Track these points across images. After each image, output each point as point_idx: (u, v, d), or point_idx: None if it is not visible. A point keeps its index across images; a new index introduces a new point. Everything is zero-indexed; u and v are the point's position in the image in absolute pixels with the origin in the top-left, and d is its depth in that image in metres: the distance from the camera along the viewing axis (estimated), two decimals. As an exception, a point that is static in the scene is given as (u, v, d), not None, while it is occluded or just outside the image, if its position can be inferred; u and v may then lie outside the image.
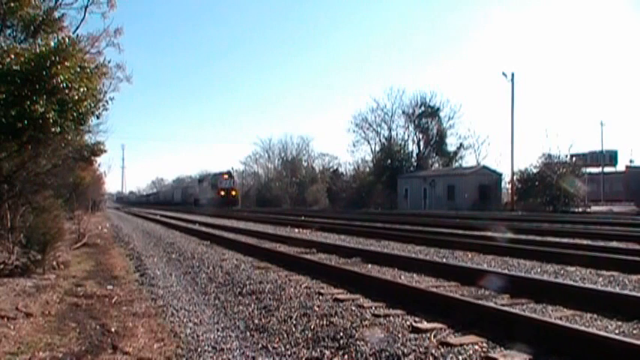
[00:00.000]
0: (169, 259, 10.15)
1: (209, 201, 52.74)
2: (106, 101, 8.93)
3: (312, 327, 4.47)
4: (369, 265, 7.79)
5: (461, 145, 49.74)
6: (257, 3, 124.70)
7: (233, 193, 53.84)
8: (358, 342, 3.92)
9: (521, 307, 4.78)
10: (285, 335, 4.36)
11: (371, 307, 4.90)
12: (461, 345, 3.62)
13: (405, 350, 3.63)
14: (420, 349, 3.61)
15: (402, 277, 6.73)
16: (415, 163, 49.90)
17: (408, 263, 7.49)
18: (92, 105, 8.31)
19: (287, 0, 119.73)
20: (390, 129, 51.73)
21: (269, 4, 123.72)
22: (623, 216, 24.23)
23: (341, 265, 7.60)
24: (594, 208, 32.93)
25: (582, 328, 3.84)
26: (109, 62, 10.76)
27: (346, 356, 3.73)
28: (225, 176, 55.32)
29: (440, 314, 4.41)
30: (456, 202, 37.62)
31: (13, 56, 7.32)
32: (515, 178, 36.42)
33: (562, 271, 6.94)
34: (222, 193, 52.16)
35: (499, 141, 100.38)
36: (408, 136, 51.39)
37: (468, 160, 49.06)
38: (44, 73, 7.23)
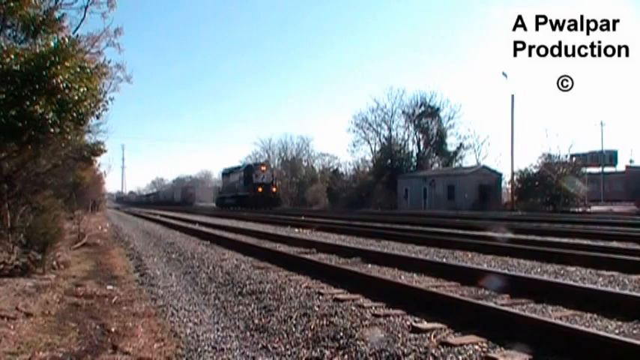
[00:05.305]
0: (169, 259, 10.15)
1: (241, 199, 42.98)
2: (106, 101, 8.94)
3: (312, 327, 4.47)
4: (369, 265, 7.78)
5: (461, 145, 49.74)
6: (258, 5, 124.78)
7: (274, 189, 43.23)
8: (358, 342, 3.92)
9: (521, 307, 4.78)
10: (285, 335, 4.36)
11: (371, 307, 4.89)
12: (461, 345, 3.62)
13: (405, 350, 3.62)
14: (420, 349, 3.61)
15: (402, 277, 6.72)
16: (415, 163, 49.88)
17: (408, 263, 7.48)
18: (92, 105, 8.31)
19: (289, 3, 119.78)
20: (390, 129, 51.67)
21: (271, 7, 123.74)
22: (623, 216, 24.22)
23: (341, 265, 7.60)
24: (594, 208, 32.91)
25: (582, 328, 3.85)
26: (109, 62, 10.79)
27: (346, 356, 3.73)
28: (263, 167, 44.20)
29: (440, 314, 4.40)
30: (455, 202, 37.61)
31: (13, 56, 7.31)
32: (515, 178, 36.39)
33: (562, 271, 6.93)
34: (260, 189, 41.35)
35: (499, 141, 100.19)
36: (408, 136, 51.38)
37: (468, 160, 49.07)
38: (44, 73, 7.23)
